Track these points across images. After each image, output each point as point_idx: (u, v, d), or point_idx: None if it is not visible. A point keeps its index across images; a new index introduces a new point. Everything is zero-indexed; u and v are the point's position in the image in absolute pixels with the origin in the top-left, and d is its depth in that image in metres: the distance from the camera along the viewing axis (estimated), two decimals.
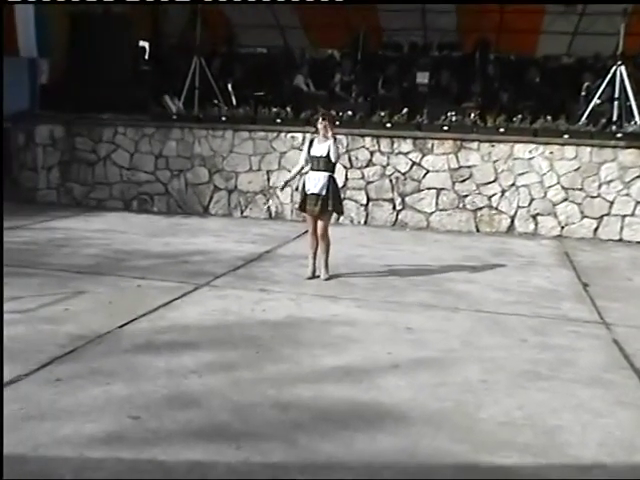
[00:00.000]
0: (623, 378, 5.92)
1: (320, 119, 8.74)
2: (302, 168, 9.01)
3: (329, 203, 8.66)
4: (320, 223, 8.75)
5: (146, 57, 17.99)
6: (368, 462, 4.29)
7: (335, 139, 8.64)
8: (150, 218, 13.20)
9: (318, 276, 8.81)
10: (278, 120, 13.53)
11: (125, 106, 13.95)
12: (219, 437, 4.50)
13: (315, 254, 8.85)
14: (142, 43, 18.23)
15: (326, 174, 8.63)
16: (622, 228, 12.47)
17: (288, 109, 13.64)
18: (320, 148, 8.63)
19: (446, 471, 4.25)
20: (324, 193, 8.60)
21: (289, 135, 13.42)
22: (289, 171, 13.16)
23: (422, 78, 15.16)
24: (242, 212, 13.69)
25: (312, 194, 8.64)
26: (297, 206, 9.18)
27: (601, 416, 5.11)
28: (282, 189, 10.37)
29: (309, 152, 8.72)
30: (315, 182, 8.62)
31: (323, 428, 4.66)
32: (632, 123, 12.55)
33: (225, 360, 5.86)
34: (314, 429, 4.64)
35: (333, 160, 8.63)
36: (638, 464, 4.44)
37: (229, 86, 14.88)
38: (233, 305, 7.51)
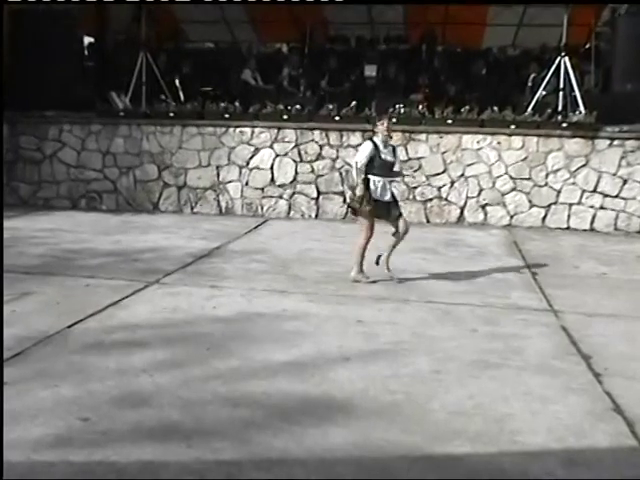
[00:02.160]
0: (571, 364, 5.99)
1: (383, 120, 8.42)
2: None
3: (398, 207, 8.51)
4: (404, 222, 8.50)
5: (92, 53, 17.74)
6: (321, 457, 4.28)
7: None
8: (99, 216, 13.06)
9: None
10: (226, 115, 13.48)
11: (71, 103, 13.77)
12: (170, 436, 4.46)
13: (364, 258, 8.55)
14: (87, 39, 17.98)
15: (390, 180, 8.42)
16: (569, 216, 12.67)
17: (236, 104, 13.59)
18: (388, 152, 8.33)
19: (399, 463, 4.25)
20: (393, 200, 8.45)
21: (238, 130, 13.38)
22: (239, 167, 13.26)
23: (370, 71, 15.22)
24: (192, 208, 13.61)
25: (385, 202, 8.34)
26: (366, 209, 8.30)
27: (550, 403, 5.16)
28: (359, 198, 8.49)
29: (379, 156, 8.23)
30: (386, 189, 8.31)
31: (275, 424, 4.64)
32: (577, 113, 12.73)
33: (176, 358, 5.80)
34: (266, 425, 4.62)
35: (400, 168, 8.56)
36: (587, 448, 4.50)
37: (176, 82, 14.80)
38: (183, 302, 7.44)
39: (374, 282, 8.40)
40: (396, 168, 8.53)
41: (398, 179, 8.64)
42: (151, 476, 4.01)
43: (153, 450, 4.27)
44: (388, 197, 8.36)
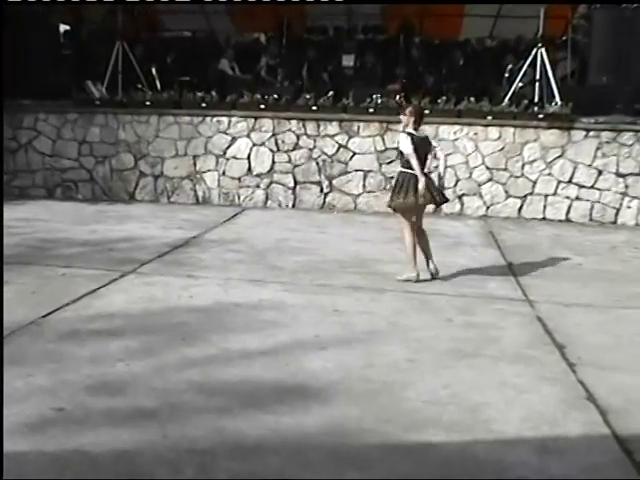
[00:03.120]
0: (546, 354, 6.04)
1: (409, 110, 8.23)
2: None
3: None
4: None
5: (68, 42, 17.57)
6: (296, 445, 4.29)
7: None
8: (75, 205, 12.98)
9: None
10: (203, 104, 13.43)
11: (46, 92, 13.65)
12: (145, 425, 4.45)
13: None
14: (63, 27, 17.81)
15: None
16: (545, 207, 12.75)
17: (213, 93, 13.54)
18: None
19: (373, 451, 4.27)
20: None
21: (215, 119, 13.34)
22: (216, 156, 13.22)
23: (347, 61, 15.19)
24: (169, 198, 13.56)
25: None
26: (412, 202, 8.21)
27: (524, 392, 5.20)
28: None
29: (417, 149, 8.01)
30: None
31: (250, 413, 4.64)
32: (553, 104, 12.78)
33: (151, 347, 5.79)
34: (241, 414, 4.62)
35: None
36: (560, 437, 4.53)
37: (153, 70, 14.70)
38: (160, 292, 7.42)
39: (422, 281, 8.15)
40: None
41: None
42: (125, 465, 4.00)
43: (128, 439, 4.26)
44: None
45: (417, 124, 8.15)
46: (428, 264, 8.32)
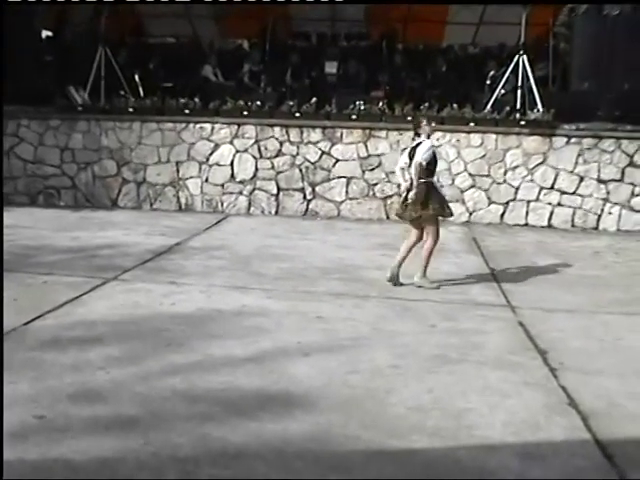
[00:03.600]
0: (528, 359, 6.07)
1: (427, 120, 8.35)
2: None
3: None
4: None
5: (50, 47, 17.50)
6: (279, 452, 4.28)
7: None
8: (57, 212, 12.92)
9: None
10: (186, 111, 13.42)
11: (28, 98, 13.57)
12: (128, 433, 4.43)
13: None
14: (46, 33, 17.74)
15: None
16: (527, 213, 12.81)
17: (196, 99, 13.53)
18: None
19: (357, 457, 4.27)
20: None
21: (198, 126, 13.33)
22: (199, 163, 13.21)
23: (330, 68, 15.22)
24: (152, 204, 13.52)
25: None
26: (446, 214, 8.39)
27: (507, 397, 5.22)
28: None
29: (436, 157, 8.26)
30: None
31: (233, 420, 4.63)
32: (535, 111, 12.85)
33: (133, 355, 5.77)
34: (224, 421, 4.61)
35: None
36: (542, 442, 4.55)
37: (136, 77, 14.66)
38: (142, 299, 7.40)
39: (437, 288, 8.24)
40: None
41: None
42: (107, 473, 3.98)
43: (110, 447, 4.24)
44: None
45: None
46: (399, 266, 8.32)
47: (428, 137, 8.24)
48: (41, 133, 13.73)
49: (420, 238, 8.32)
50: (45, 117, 13.73)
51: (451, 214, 8.54)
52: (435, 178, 8.34)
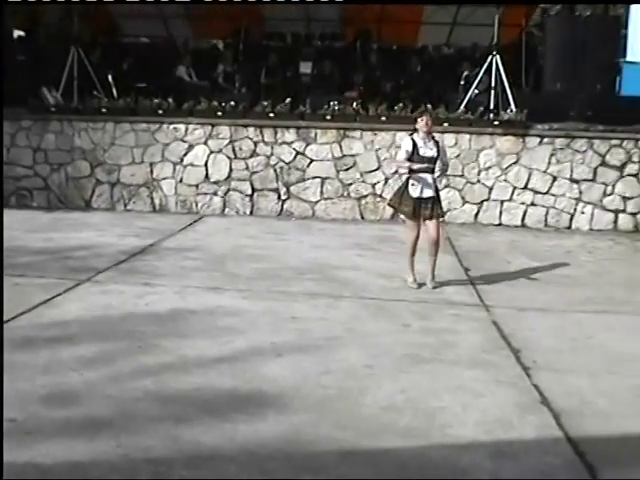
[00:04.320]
0: (501, 358, 6.10)
1: (422, 116, 8.36)
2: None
3: (441, 205, 8.38)
4: (435, 226, 8.26)
5: (22, 47, 17.36)
6: (252, 453, 4.28)
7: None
8: (30, 214, 12.81)
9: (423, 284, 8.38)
10: (160, 111, 13.35)
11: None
12: (100, 435, 4.40)
13: (414, 261, 8.41)
14: (17, 33, 17.60)
15: (433, 176, 8.24)
16: (501, 213, 12.87)
17: (170, 100, 13.47)
18: (429, 149, 8.20)
19: (330, 458, 4.27)
20: (435, 196, 8.27)
21: (172, 126, 13.27)
22: (173, 163, 13.16)
23: (305, 68, 15.23)
24: (125, 205, 13.44)
25: (425, 198, 8.19)
26: (404, 212, 8.36)
27: (480, 396, 5.25)
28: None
29: (417, 152, 8.15)
30: (426, 185, 8.16)
31: (206, 421, 4.62)
32: (508, 111, 12.91)
33: (106, 356, 5.73)
34: (197, 422, 4.59)
35: (444, 162, 8.37)
36: (514, 440, 4.58)
37: (109, 77, 14.56)
38: (116, 300, 7.36)
39: (419, 288, 8.28)
40: (439, 162, 8.32)
41: (440, 173, 8.46)
42: (79, 476, 3.96)
43: (82, 450, 4.22)
44: (431, 193, 8.21)
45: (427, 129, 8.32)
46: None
47: (429, 134, 8.27)
48: (13, 134, 13.61)
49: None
50: (17, 118, 13.60)
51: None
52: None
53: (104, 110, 13.49)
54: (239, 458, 4.21)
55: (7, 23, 15.11)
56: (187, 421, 4.61)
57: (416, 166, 8.10)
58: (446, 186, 12.82)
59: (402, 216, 8.59)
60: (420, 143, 8.19)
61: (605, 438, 4.67)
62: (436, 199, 8.30)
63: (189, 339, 6.22)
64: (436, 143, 8.29)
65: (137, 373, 5.39)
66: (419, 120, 8.33)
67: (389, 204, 8.62)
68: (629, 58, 13.21)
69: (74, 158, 13.50)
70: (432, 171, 8.23)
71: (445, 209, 12.53)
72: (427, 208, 8.22)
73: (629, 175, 12.64)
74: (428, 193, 8.20)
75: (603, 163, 12.65)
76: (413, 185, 8.18)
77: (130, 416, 4.67)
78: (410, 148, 8.16)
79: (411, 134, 8.37)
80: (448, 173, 12.56)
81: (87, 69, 14.15)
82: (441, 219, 8.50)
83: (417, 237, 8.33)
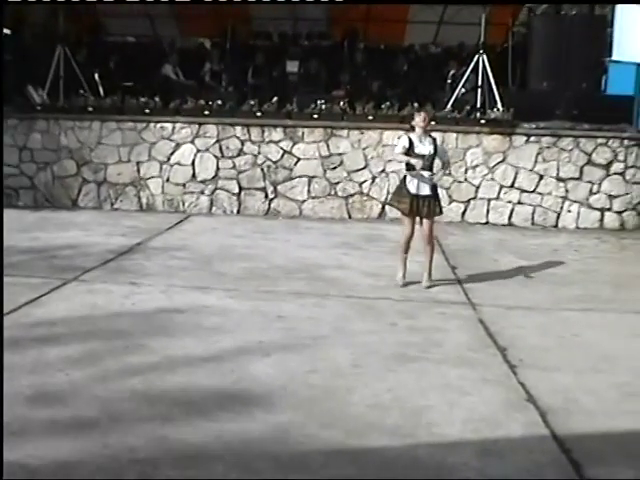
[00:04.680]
0: (488, 356, 6.13)
1: (419, 114, 8.36)
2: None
3: (438, 204, 8.38)
4: (429, 225, 8.33)
5: (8, 46, 17.27)
6: (239, 452, 4.28)
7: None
8: (16, 213, 12.71)
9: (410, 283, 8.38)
10: (147, 110, 13.31)
11: None
12: (86, 435, 4.40)
13: (407, 258, 8.43)
14: (4, 31, 17.50)
15: (430, 174, 8.24)
16: (488, 211, 12.89)
17: (157, 99, 13.43)
18: (424, 146, 8.21)
19: (317, 457, 4.28)
20: (432, 193, 8.27)
21: (158, 125, 13.22)
22: (160, 162, 13.12)
23: (292, 67, 15.21)
24: (112, 204, 13.39)
25: (422, 195, 8.18)
26: (400, 208, 8.36)
27: (467, 394, 5.27)
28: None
29: (413, 150, 8.16)
30: (422, 182, 8.16)
31: (193, 421, 4.62)
32: (495, 110, 12.94)
33: (93, 356, 5.73)
34: (184, 422, 4.59)
35: (444, 160, 8.45)
36: (501, 438, 4.60)
37: (96, 76, 14.52)
38: (102, 299, 7.36)
39: (405, 286, 8.31)
40: (437, 160, 8.38)
41: (439, 173, 8.51)
42: (65, 476, 3.95)
43: (68, 450, 4.21)
44: (428, 191, 8.22)
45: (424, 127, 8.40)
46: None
47: (426, 131, 8.33)
48: None
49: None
50: (3, 116, 13.52)
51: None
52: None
53: (91, 109, 13.43)
54: (226, 457, 4.21)
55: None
56: (174, 421, 4.61)
57: (413, 160, 8.12)
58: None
59: (399, 213, 8.57)
60: (416, 141, 8.22)
61: (590, 435, 4.70)
62: (433, 197, 8.32)
63: (176, 339, 6.22)
64: (433, 140, 8.34)
65: (123, 373, 5.39)
66: (416, 116, 8.36)
67: (389, 204, 8.57)
68: (614, 57, 13.27)
69: (60, 157, 13.44)
70: (429, 168, 8.25)
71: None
72: (424, 206, 8.24)
73: (615, 174, 12.68)
74: (425, 191, 8.21)
75: (589, 162, 12.68)
76: (410, 182, 8.20)
77: (116, 416, 4.66)
78: (407, 144, 8.19)
79: (407, 132, 8.39)
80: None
81: (73, 68, 14.09)
82: (437, 217, 8.57)
83: (411, 235, 8.37)
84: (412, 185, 8.19)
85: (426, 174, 8.19)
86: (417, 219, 8.37)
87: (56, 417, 4.62)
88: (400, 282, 8.34)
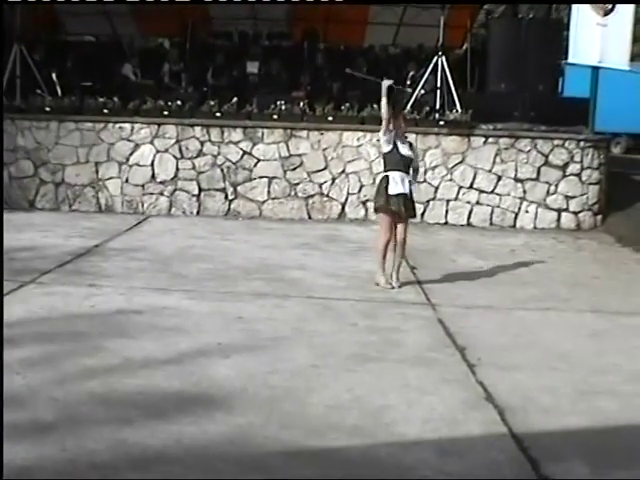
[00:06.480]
0: (447, 356, 6.18)
1: (398, 116, 8.40)
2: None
3: (414, 205, 8.41)
4: (402, 226, 8.35)
5: None
6: (199, 454, 4.27)
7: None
8: None
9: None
10: (105, 110, 13.20)
11: None
12: (44, 439, 4.36)
13: (385, 263, 8.40)
14: None
15: (408, 177, 8.28)
16: (447, 212, 13.00)
17: (116, 99, 13.33)
18: (405, 148, 8.27)
19: (277, 458, 4.29)
20: (409, 194, 8.28)
21: (117, 126, 13.12)
22: (119, 163, 13.03)
23: (252, 67, 15.19)
24: (70, 206, 13.27)
25: (399, 194, 8.18)
26: (380, 206, 8.36)
27: (426, 394, 5.31)
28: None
29: (397, 150, 8.22)
30: (401, 182, 8.17)
31: (152, 423, 4.60)
32: (453, 111, 13.04)
33: (51, 358, 5.67)
34: (143, 425, 4.57)
35: (415, 167, 8.48)
36: (460, 437, 4.64)
37: (53, 75, 14.35)
38: (60, 302, 7.28)
39: (393, 288, 8.32)
40: (413, 164, 8.45)
41: (415, 176, 8.64)
42: None
43: (26, 454, 4.16)
44: (406, 191, 8.24)
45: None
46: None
47: (403, 135, 8.44)
48: None
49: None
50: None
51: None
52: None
53: (48, 109, 13.29)
54: (186, 460, 4.20)
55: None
56: (133, 424, 4.58)
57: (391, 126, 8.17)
58: None
59: (379, 215, 8.55)
60: (399, 142, 8.27)
61: (548, 433, 4.76)
62: (410, 198, 8.36)
63: (135, 341, 6.18)
64: (410, 145, 8.45)
65: (82, 375, 5.34)
66: (394, 120, 8.31)
67: (377, 207, 8.45)
68: (570, 60, 13.44)
69: (17, 158, 13.27)
70: (406, 171, 8.30)
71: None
72: (403, 205, 8.27)
73: (571, 175, 12.87)
74: (404, 190, 8.24)
75: (546, 163, 12.85)
76: (394, 183, 8.20)
77: (75, 419, 4.62)
78: (392, 140, 8.24)
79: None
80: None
81: (30, 67, 13.92)
82: (411, 219, 8.66)
83: (390, 239, 8.37)
84: (395, 185, 8.20)
85: (405, 176, 8.23)
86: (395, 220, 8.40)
87: (14, 420, 4.55)
88: (388, 286, 8.32)
